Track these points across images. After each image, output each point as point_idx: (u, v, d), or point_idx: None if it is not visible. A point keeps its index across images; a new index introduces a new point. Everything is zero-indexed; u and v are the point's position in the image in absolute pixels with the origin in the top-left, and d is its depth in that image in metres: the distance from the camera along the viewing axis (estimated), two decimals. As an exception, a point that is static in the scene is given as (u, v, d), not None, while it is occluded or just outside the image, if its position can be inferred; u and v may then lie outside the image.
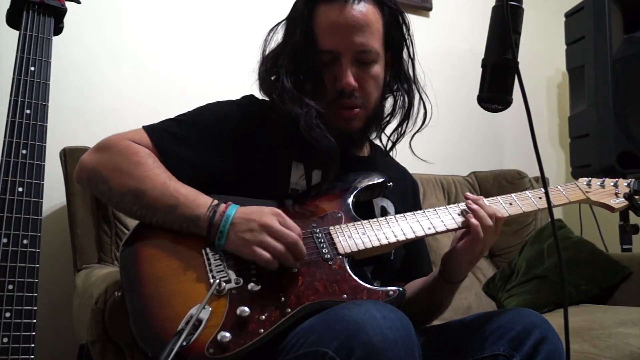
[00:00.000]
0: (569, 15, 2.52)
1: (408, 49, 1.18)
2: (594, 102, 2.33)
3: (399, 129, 1.21)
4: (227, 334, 0.84)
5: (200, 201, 0.98)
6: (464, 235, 1.06)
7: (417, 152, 1.22)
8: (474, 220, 1.04)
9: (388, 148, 1.23)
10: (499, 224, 1.06)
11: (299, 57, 1.09)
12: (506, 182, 2.30)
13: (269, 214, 0.95)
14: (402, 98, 1.20)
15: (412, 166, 1.38)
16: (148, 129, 1.09)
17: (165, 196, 0.98)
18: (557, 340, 0.96)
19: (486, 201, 1.08)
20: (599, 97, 2.31)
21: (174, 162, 1.05)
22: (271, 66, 1.14)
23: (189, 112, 1.13)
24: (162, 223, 1.00)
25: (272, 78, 1.13)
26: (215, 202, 0.98)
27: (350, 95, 1.09)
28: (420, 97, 1.20)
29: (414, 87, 1.19)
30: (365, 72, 1.11)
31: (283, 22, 1.17)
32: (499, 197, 1.10)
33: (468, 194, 1.09)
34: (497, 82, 1.12)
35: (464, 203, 1.08)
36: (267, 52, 1.16)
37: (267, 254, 0.92)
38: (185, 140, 1.08)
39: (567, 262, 1.97)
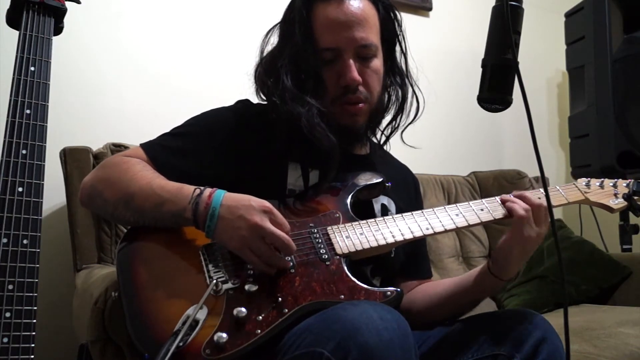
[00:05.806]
0: (569, 15, 2.52)
1: (400, 43, 1.19)
2: (594, 102, 2.33)
3: (393, 122, 1.21)
4: (224, 335, 0.84)
5: (184, 193, 0.97)
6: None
7: (417, 152, 1.22)
8: (511, 209, 1.03)
9: (382, 142, 1.23)
10: (537, 213, 1.03)
11: (299, 56, 1.09)
12: (506, 182, 2.30)
13: (258, 211, 0.92)
14: (395, 92, 1.20)
15: (412, 166, 1.37)
16: (144, 145, 1.10)
17: (152, 195, 0.98)
18: (557, 341, 0.96)
19: (485, 200, 1.08)
20: (599, 97, 2.30)
21: (170, 174, 1.04)
22: (270, 68, 1.14)
23: (183, 123, 1.14)
24: (155, 223, 0.99)
25: (271, 80, 1.13)
26: (198, 191, 0.96)
27: (355, 91, 1.10)
28: (413, 91, 1.21)
29: (407, 81, 1.20)
30: (366, 66, 1.11)
31: (279, 25, 1.17)
32: (497, 198, 1.10)
33: (515, 192, 1.08)
34: (497, 82, 1.12)
35: (462, 204, 1.08)
36: (264, 55, 1.17)
37: (254, 257, 0.92)
38: (180, 151, 1.08)
39: (567, 262, 1.97)
